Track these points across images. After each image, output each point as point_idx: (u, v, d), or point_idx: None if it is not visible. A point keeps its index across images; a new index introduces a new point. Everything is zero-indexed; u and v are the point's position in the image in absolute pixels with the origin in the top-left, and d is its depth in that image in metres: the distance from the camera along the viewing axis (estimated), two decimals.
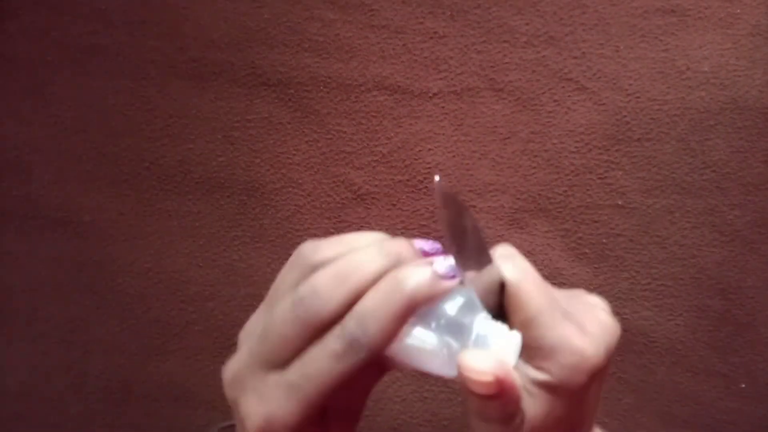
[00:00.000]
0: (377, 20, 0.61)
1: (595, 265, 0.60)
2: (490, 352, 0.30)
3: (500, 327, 0.30)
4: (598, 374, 0.31)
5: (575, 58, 0.60)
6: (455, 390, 0.61)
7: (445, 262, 0.30)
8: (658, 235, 0.60)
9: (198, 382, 0.63)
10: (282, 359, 0.31)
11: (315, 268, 0.31)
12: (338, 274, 0.30)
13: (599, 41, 0.60)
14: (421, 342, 0.31)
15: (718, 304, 0.60)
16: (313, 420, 0.31)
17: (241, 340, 0.33)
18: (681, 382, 0.60)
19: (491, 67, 0.60)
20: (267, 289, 0.68)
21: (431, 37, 0.61)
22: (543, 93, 0.60)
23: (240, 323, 0.59)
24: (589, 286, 0.60)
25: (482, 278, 0.31)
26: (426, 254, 0.31)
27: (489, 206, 0.61)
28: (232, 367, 0.32)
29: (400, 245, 0.30)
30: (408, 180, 0.61)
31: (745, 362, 0.60)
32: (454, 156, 0.61)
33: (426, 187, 0.61)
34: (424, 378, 0.62)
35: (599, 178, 0.60)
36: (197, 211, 0.63)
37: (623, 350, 0.60)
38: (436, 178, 0.29)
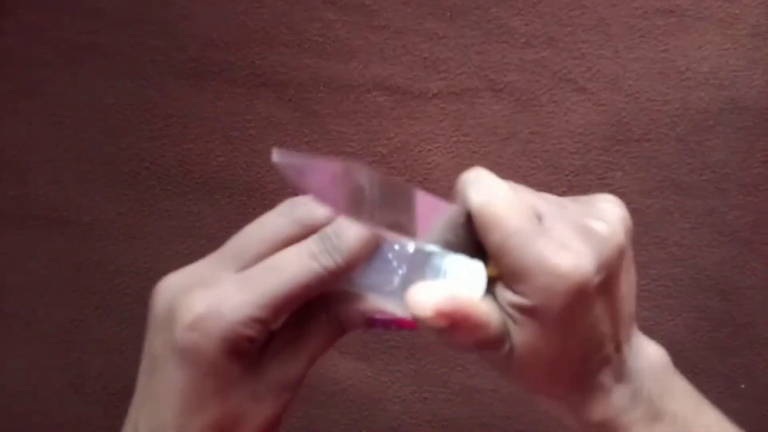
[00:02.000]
0: (377, 21, 0.61)
1: None
2: (442, 284, 0.29)
3: (459, 258, 0.29)
4: (594, 292, 0.28)
5: (575, 58, 0.60)
6: (455, 390, 0.61)
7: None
8: (658, 236, 0.60)
9: None
10: (252, 258, 0.30)
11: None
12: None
13: (599, 42, 0.60)
14: (382, 281, 0.30)
15: (718, 304, 0.60)
16: (256, 336, 0.29)
17: (163, 287, 0.31)
18: None
19: (491, 67, 0.60)
20: None
21: (431, 38, 0.61)
22: (542, 94, 0.60)
23: None
24: None
25: (447, 216, 0.29)
26: None
27: None
28: (176, 276, 0.31)
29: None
30: (408, 180, 0.61)
31: (745, 363, 0.60)
32: (453, 156, 0.61)
33: (426, 187, 0.61)
34: (424, 378, 0.61)
35: (599, 179, 0.60)
36: (197, 211, 0.63)
37: None
38: (273, 155, 0.25)
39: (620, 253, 0.29)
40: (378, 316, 0.31)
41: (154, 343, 0.32)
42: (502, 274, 0.29)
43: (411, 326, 0.30)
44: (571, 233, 0.28)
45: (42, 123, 0.64)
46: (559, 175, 0.60)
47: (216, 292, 0.29)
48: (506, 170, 0.60)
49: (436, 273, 0.29)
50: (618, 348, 0.30)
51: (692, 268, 0.60)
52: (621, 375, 0.30)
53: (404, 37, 0.61)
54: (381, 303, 0.31)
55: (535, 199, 0.30)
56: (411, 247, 0.30)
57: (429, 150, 0.61)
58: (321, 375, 0.61)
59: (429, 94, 0.61)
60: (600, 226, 0.29)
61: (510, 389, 0.60)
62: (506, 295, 0.29)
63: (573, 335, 0.28)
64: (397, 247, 0.30)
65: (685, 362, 0.60)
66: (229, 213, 0.62)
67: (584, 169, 0.60)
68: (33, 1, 0.63)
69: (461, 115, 0.61)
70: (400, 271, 0.30)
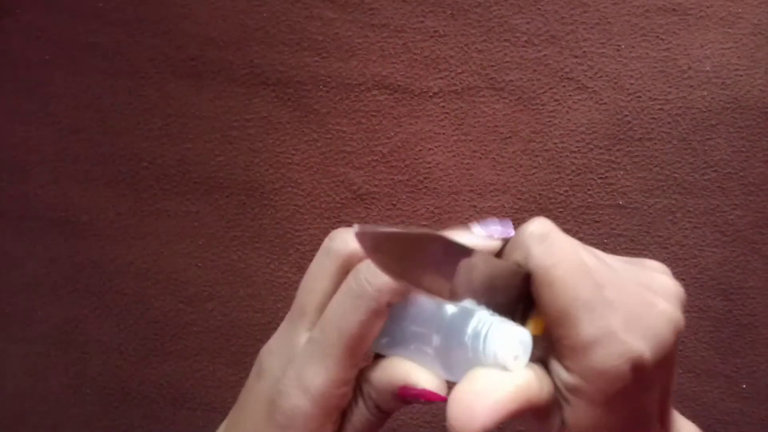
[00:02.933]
0: (377, 19, 0.61)
1: None
2: (483, 380, 0.25)
3: (504, 324, 0.26)
4: (651, 372, 0.26)
5: (576, 57, 0.60)
6: None
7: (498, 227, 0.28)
8: (659, 235, 0.60)
9: (197, 384, 0.63)
10: (314, 311, 0.29)
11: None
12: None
13: (600, 40, 0.59)
14: (419, 341, 0.28)
15: (720, 304, 0.59)
16: (346, 392, 0.28)
17: (262, 356, 0.30)
18: (682, 383, 0.60)
19: (492, 66, 0.60)
20: (267, 289, 0.67)
21: (431, 36, 0.60)
22: (544, 92, 0.60)
23: (239, 324, 0.58)
24: None
25: (501, 274, 0.27)
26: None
27: (490, 206, 0.60)
28: (271, 355, 0.30)
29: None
30: (408, 180, 0.61)
31: (746, 363, 0.59)
32: (454, 156, 0.60)
33: (426, 186, 0.61)
34: None
35: (600, 178, 0.60)
36: (196, 211, 0.62)
37: None
38: (355, 228, 0.24)
39: (678, 335, 0.28)
40: (407, 389, 0.29)
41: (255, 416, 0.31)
42: (559, 343, 0.26)
43: (441, 399, 0.28)
44: (638, 308, 0.27)
45: (41, 123, 0.63)
46: (560, 174, 0.60)
47: (301, 375, 0.29)
48: (507, 169, 0.60)
49: (477, 339, 0.27)
50: (663, 427, 0.29)
51: (694, 267, 0.59)
52: None
53: (404, 35, 0.61)
54: (412, 370, 0.28)
55: (593, 260, 0.28)
56: (452, 307, 0.28)
57: (429, 149, 0.61)
58: None
59: (429, 92, 0.61)
60: (663, 306, 0.27)
61: None
62: (561, 373, 0.27)
63: (626, 415, 0.27)
64: (434, 305, 0.28)
65: (687, 362, 0.60)
66: (228, 213, 0.62)
67: (586, 168, 0.60)
68: (33, 1, 0.63)
69: (462, 114, 0.60)
70: (436, 335, 0.28)
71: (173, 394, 0.63)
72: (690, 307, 0.60)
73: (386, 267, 0.25)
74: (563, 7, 0.59)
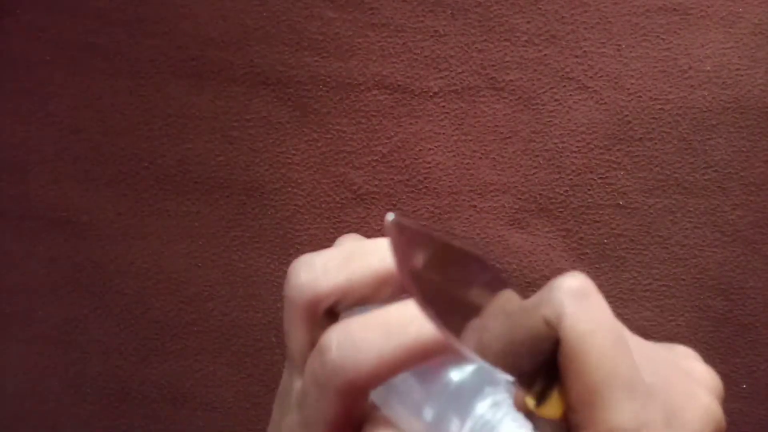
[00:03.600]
0: (377, 19, 0.61)
1: (596, 266, 0.60)
2: None
3: (517, 424, 0.22)
4: None
5: (576, 57, 0.60)
6: None
7: None
8: (660, 236, 0.60)
9: (197, 383, 0.63)
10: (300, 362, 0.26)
11: (320, 300, 0.25)
12: (386, 329, 0.23)
13: (601, 40, 0.59)
14: (408, 408, 0.24)
15: (720, 304, 0.59)
16: None
17: (280, 393, 0.28)
18: None
19: (492, 65, 0.60)
20: (267, 289, 0.67)
21: (431, 36, 0.60)
22: (544, 92, 0.60)
23: (239, 324, 0.59)
24: None
25: (528, 335, 0.22)
26: None
27: (489, 206, 0.60)
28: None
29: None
30: (408, 180, 0.61)
31: (746, 363, 0.59)
32: (454, 155, 0.60)
33: (426, 186, 0.61)
34: None
35: (600, 178, 0.60)
36: (196, 211, 0.62)
37: None
38: (388, 217, 0.20)
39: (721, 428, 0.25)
40: None
41: None
42: (581, 428, 0.22)
43: None
44: (678, 399, 0.23)
45: (41, 122, 0.63)
46: (560, 174, 0.60)
47: None
48: (507, 169, 0.60)
49: (469, 421, 0.22)
50: None
51: (694, 267, 0.59)
52: None
53: (404, 34, 0.61)
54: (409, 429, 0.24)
55: (628, 333, 0.24)
56: (457, 374, 0.23)
57: (429, 149, 0.61)
58: None
59: (429, 92, 0.61)
60: (705, 400, 0.24)
61: None
62: None
63: None
64: (432, 369, 0.24)
65: None
66: (229, 213, 0.62)
67: (586, 168, 0.60)
68: (33, 1, 0.63)
69: (462, 114, 0.60)
70: (429, 407, 0.23)
71: (173, 394, 0.63)
72: (690, 307, 0.60)
73: (411, 286, 0.20)
74: (563, 7, 0.59)
